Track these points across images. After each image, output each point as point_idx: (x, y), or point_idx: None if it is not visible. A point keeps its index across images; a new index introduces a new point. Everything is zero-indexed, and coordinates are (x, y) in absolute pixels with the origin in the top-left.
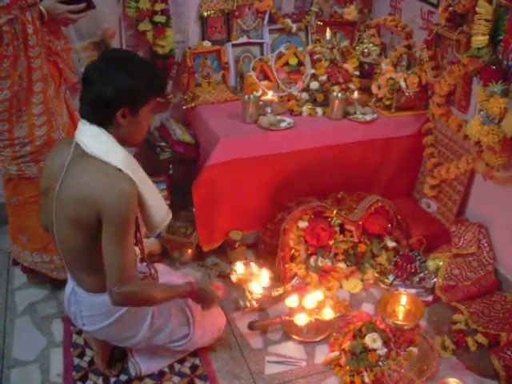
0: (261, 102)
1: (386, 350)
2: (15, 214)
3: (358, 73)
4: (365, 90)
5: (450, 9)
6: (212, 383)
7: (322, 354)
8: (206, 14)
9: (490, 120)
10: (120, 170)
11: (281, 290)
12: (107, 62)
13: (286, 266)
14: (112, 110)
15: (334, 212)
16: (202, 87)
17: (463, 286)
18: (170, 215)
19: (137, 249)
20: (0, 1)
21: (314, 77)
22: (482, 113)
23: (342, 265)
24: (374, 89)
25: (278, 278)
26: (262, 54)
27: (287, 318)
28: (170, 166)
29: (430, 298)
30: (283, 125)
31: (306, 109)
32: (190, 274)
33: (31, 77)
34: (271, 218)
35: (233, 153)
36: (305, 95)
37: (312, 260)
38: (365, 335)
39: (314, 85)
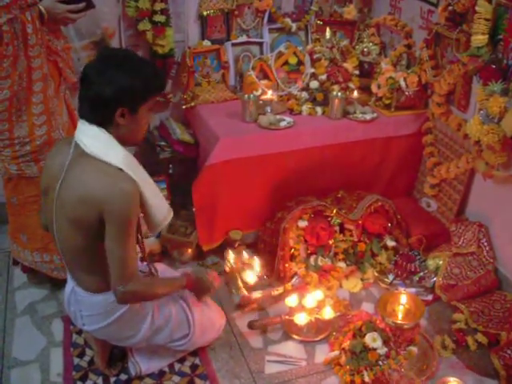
0: (260, 102)
1: (385, 349)
2: (15, 213)
3: (357, 72)
4: (364, 89)
5: (450, 8)
6: (212, 383)
7: (322, 354)
8: (205, 13)
9: (490, 119)
10: (121, 169)
11: (281, 290)
12: (106, 61)
13: (286, 265)
14: (111, 109)
15: (334, 211)
16: (201, 86)
17: (463, 285)
18: (172, 213)
19: (137, 248)
20: (0, 0)
21: (314, 76)
22: (481, 112)
23: (341, 264)
24: (374, 88)
25: (278, 278)
26: (261, 53)
27: (287, 317)
28: (170, 165)
29: (429, 298)
30: (283, 124)
31: (305, 108)
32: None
33: (31, 76)
34: (271, 218)
35: (232, 152)
36: (304, 94)
37: (312, 259)
38: (365, 334)
39: (314, 84)
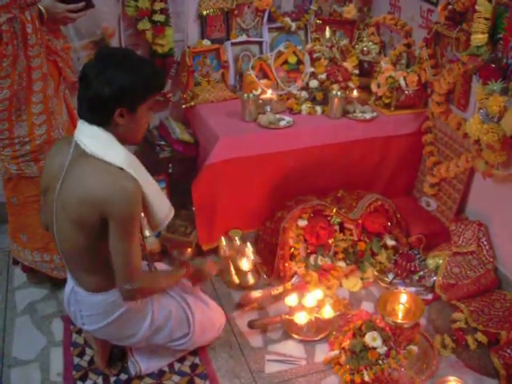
0: (260, 101)
1: (385, 348)
2: (15, 213)
3: (357, 71)
4: (364, 88)
5: (450, 7)
6: (212, 382)
7: (322, 353)
8: (205, 12)
9: (490, 118)
10: (122, 168)
11: (280, 289)
12: (105, 60)
13: (286, 264)
14: (110, 109)
15: (334, 210)
16: (201, 86)
17: (463, 285)
18: (173, 211)
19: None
20: None
21: (314, 75)
22: (481, 111)
23: (341, 263)
24: (374, 87)
25: (278, 277)
26: (261, 52)
27: (287, 316)
28: (170, 164)
29: (429, 297)
30: (282, 123)
31: (305, 107)
32: None
33: (31, 76)
34: (271, 217)
35: (232, 151)
36: (304, 94)
37: (312, 259)
38: (365, 334)
39: (314, 83)
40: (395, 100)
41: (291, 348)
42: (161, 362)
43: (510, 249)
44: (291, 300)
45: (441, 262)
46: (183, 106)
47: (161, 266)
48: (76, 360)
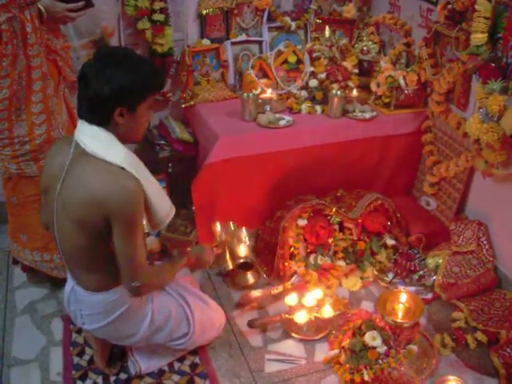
0: (260, 100)
1: (385, 347)
2: (15, 213)
3: (357, 71)
4: (364, 87)
5: (449, 6)
6: (212, 381)
7: (322, 352)
8: (204, 12)
9: (490, 118)
10: (122, 168)
11: (280, 288)
12: (103, 60)
13: (286, 264)
14: (110, 109)
15: (334, 210)
16: (200, 85)
17: (463, 284)
18: (174, 210)
19: None
20: None
21: (313, 75)
22: (481, 110)
23: (341, 263)
24: (373, 87)
25: (278, 276)
26: (260, 52)
27: (287, 316)
28: (169, 164)
29: (429, 296)
30: (282, 123)
31: (305, 107)
32: (189, 272)
33: (30, 75)
34: (270, 216)
35: (232, 151)
36: (304, 93)
37: (311, 258)
38: (364, 333)
39: (313, 83)
40: (395, 99)
41: (291, 347)
42: (161, 361)
43: (510, 248)
44: (291, 299)
45: (440, 261)
46: (183, 106)
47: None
48: (76, 359)
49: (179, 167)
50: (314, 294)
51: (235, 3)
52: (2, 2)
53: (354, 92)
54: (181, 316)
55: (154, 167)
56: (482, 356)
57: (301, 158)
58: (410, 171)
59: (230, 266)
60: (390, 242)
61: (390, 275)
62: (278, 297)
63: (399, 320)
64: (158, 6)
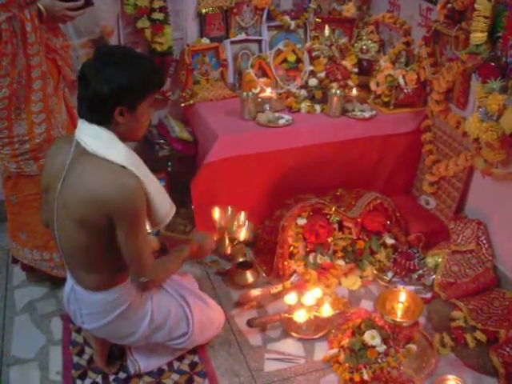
0: (259, 99)
1: (384, 346)
2: (14, 212)
3: (356, 70)
4: (363, 86)
5: (449, 5)
6: (211, 380)
7: (321, 351)
8: (204, 11)
9: (489, 117)
10: (123, 166)
11: (280, 288)
12: (103, 59)
13: (285, 263)
14: (110, 108)
15: (333, 209)
16: (200, 84)
17: (462, 283)
18: (174, 209)
19: None
20: None
21: (313, 74)
22: (480, 109)
23: (340, 262)
24: (373, 86)
25: (277, 275)
26: (260, 50)
27: (286, 315)
28: (169, 163)
29: (428, 295)
30: (282, 122)
31: (304, 106)
32: (189, 272)
33: (30, 74)
34: (270, 215)
35: (231, 150)
36: (303, 92)
37: (311, 257)
38: (364, 332)
39: (313, 82)
40: (394, 98)
41: (290, 346)
42: (160, 360)
43: (509, 247)
44: (290, 298)
45: (440, 260)
46: (182, 105)
47: None
48: (75, 359)
49: (178, 166)
50: (313, 293)
51: (234, 2)
52: (1, 1)
53: (354, 91)
54: (180, 315)
55: (154, 166)
56: (482, 355)
57: (300, 157)
58: (409, 170)
59: (228, 251)
60: (390, 241)
61: (390, 274)
62: (278, 296)
63: (398, 319)
64: (157, 4)
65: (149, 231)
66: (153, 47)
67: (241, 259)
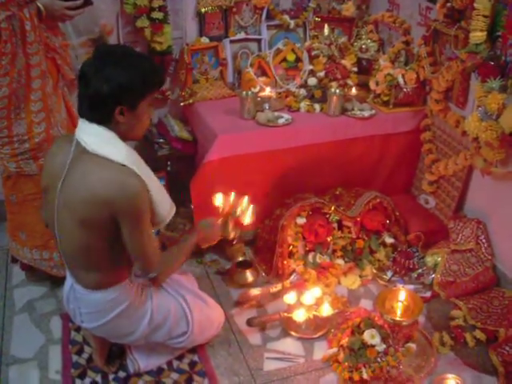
0: (259, 99)
1: (384, 346)
2: (14, 211)
3: (355, 69)
4: (363, 86)
5: (448, 5)
6: (211, 379)
7: (321, 351)
8: (203, 10)
9: (488, 116)
10: (124, 165)
11: (279, 287)
12: (102, 58)
13: (284, 262)
14: (110, 107)
15: (332, 208)
16: (199, 83)
17: (461, 282)
18: (174, 208)
19: None
20: None
21: (312, 73)
22: (480, 109)
23: (340, 261)
24: (372, 85)
25: (277, 275)
26: (259, 50)
27: (286, 314)
28: (168, 162)
29: (428, 294)
30: (281, 121)
31: (303, 105)
32: (189, 271)
33: (30, 74)
34: (269, 215)
35: (230, 149)
36: (303, 91)
37: (310, 256)
38: (363, 331)
39: (312, 81)
40: (394, 98)
41: (290, 346)
42: (159, 359)
43: (509, 246)
44: (290, 298)
45: (439, 259)
46: (182, 104)
47: None
48: (75, 358)
49: (178, 165)
50: (312, 293)
51: (234, 1)
52: (1, 0)
53: (353, 90)
54: (180, 314)
55: (153, 165)
56: (481, 354)
57: (299, 156)
58: (408, 169)
59: (231, 236)
60: (389, 240)
61: (389, 273)
62: (277, 295)
63: (398, 318)
64: (156, 4)
65: None
66: (152, 46)
67: (240, 258)
